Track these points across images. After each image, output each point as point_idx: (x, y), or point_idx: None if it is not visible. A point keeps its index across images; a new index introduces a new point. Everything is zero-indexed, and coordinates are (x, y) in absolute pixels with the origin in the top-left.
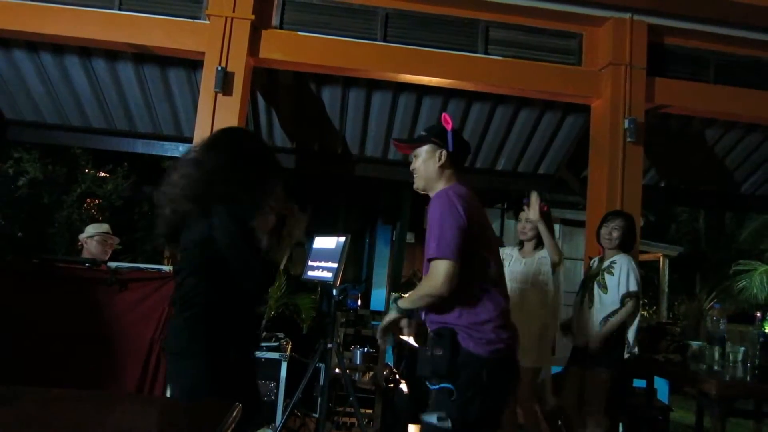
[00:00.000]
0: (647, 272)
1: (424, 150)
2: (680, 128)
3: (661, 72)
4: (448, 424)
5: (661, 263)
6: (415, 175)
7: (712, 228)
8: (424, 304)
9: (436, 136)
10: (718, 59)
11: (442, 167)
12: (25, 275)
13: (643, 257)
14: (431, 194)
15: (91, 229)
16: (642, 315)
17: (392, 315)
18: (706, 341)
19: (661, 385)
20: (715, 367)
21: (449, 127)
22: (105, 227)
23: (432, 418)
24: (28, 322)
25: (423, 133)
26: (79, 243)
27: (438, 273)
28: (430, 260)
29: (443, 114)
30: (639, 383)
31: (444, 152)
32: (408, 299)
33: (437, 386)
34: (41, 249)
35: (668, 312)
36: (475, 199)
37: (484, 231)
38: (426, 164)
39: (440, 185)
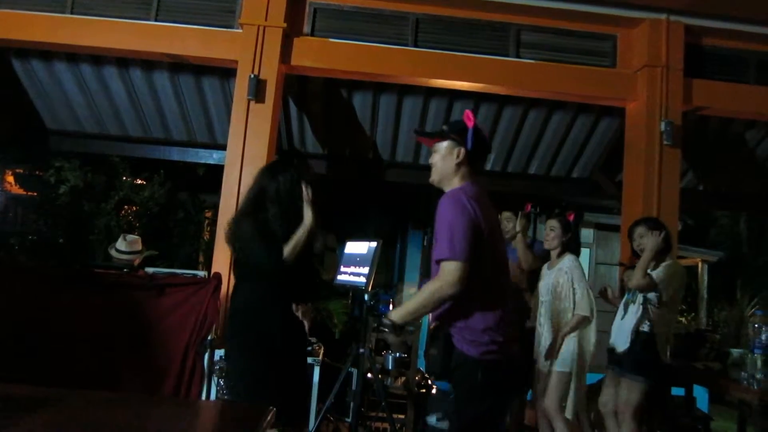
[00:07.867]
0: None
1: (443, 146)
2: (719, 130)
3: (699, 73)
4: (446, 424)
5: (699, 269)
6: (432, 169)
7: (754, 232)
8: (431, 308)
9: (456, 132)
10: (759, 59)
11: (459, 165)
12: (66, 280)
13: (681, 262)
14: (445, 189)
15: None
16: (680, 322)
17: (389, 337)
18: (747, 349)
19: (701, 394)
20: (757, 375)
21: (470, 125)
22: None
23: (432, 419)
24: (68, 326)
25: (444, 128)
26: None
27: (449, 274)
28: (439, 261)
29: (466, 111)
30: (678, 392)
31: (462, 150)
32: (408, 309)
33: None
34: (81, 255)
35: (707, 319)
36: (486, 200)
37: (493, 234)
38: (444, 160)
39: (455, 182)
